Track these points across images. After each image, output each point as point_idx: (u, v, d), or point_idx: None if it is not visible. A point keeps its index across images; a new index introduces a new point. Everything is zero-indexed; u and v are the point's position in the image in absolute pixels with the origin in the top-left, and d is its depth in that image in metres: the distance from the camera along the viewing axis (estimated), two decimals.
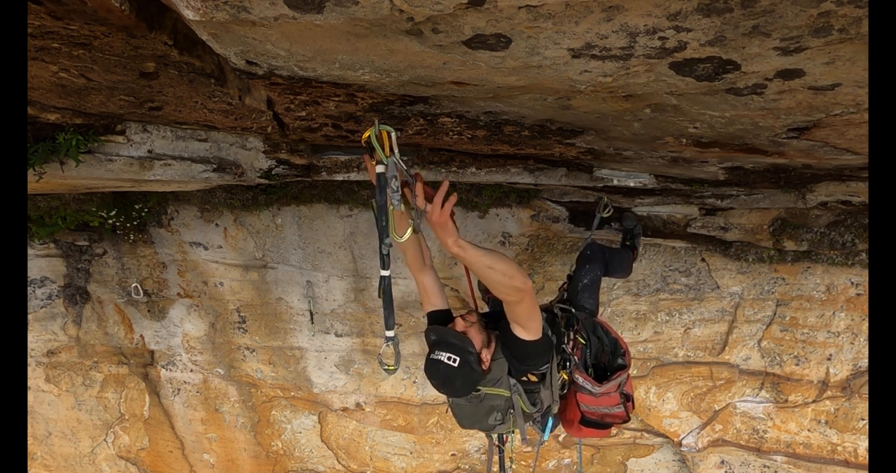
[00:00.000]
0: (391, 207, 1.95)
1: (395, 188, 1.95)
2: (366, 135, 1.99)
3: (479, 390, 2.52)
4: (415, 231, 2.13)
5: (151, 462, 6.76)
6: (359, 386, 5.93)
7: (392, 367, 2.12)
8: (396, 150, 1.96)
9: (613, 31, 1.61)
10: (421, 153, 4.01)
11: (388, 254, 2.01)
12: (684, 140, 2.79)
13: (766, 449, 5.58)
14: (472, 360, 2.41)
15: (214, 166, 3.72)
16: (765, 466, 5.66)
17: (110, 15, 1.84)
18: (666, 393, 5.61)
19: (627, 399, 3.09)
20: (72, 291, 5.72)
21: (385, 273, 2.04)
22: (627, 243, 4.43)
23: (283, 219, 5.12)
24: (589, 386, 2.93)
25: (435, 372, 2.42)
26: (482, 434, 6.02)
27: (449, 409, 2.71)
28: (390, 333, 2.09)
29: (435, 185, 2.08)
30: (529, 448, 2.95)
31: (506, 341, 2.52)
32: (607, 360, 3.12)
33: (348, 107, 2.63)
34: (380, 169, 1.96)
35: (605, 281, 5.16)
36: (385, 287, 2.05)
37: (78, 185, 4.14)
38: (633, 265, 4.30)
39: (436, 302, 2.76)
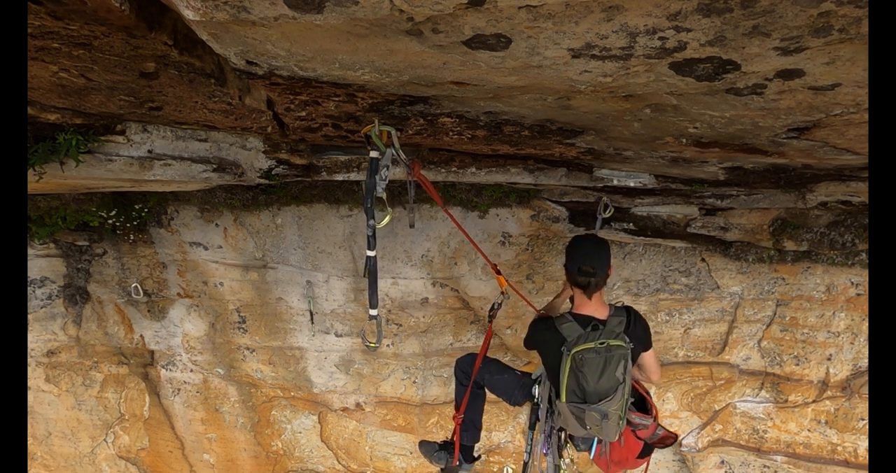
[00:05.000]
0: (378, 190, 2.06)
1: (383, 176, 2.04)
2: (366, 128, 2.05)
3: (604, 342, 2.85)
4: (410, 225, 2.28)
5: (151, 462, 6.75)
6: (359, 386, 5.93)
7: (374, 344, 2.24)
8: (397, 143, 2.05)
9: (613, 31, 1.61)
10: (421, 153, 4.01)
11: (373, 236, 2.12)
12: (684, 140, 2.79)
13: (766, 449, 5.58)
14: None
15: (214, 166, 3.72)
16: (765, 466, 5.66)
17: (110, 15, 1.84)
18: (666, 393, 5.61)
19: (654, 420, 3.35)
20: (72, 291, 5.72)
21: (371, 253, 2.15)
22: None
23: (283, 219, 5.12)
24: (643, 420, 3.20)
25: (591, 239, 3.05)
26: (482, 435, 6.01)
27: (570, 373, 2.90)
28: (374, 312, 2.23)
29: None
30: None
31: (636, 314, 3.12)
32: None
33: (348, 107, 2.63)
34: (373, 154, 2.05)
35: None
36: (371, 267, 2.15)
37: (78, 185, 4.14)
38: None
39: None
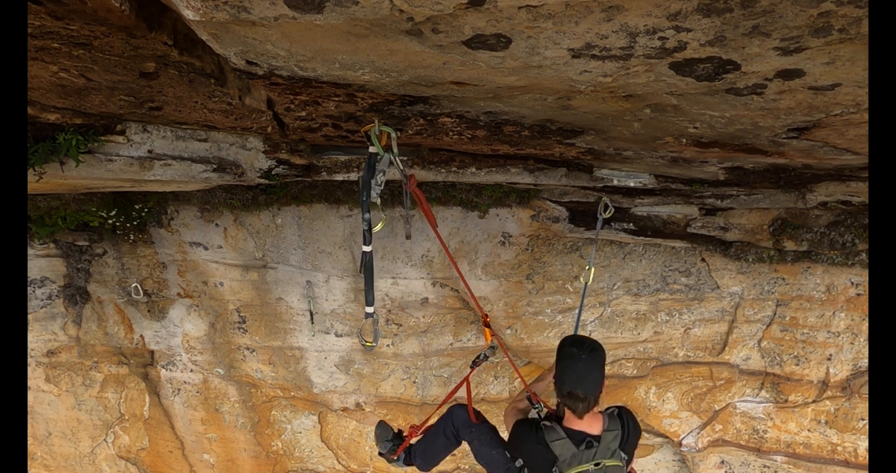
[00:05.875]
0: (372, 196, 2.04)
1: (378, 181, 2.02)
2: (367, 127, 2.04)
3: (599, 463, 2.67)
4: (407, 236, 2.24)
5: (151, 462, 6.76)
6: (359, 386, 5.93)
7: (370, 343, 2.19)
8: (395, 148, 2.02)
9: (613, 31, 1.61)
10: (421, 153, 4.02)
11: (368, 230, 2.08)
12: (684, 140, 2.79)
13: (766, 449, 5.58)
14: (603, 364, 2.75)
15: (214, 166, 3.72)
16: (765, 466, 5.66)
17: (110, 15, 1.84)
18: (666, 393, 5.61)
19: None
20: (72, 291, 5.72)
21: (367, 249, 2.11)
22: None
23: (283, 219, 5.12)
24: None
25: (583, 356, 2.67)
26: None
27: None
28: (370, 309, 2.18)
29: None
30: None
31: (630, 421, 2.86)
32: None
33: (348, 107, 2.64)
34: (372, 150, 2.03)
35: (606, 281, 5.17)
36: (367, 263, 2.10)
37: (78, 185, 4.14)
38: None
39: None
